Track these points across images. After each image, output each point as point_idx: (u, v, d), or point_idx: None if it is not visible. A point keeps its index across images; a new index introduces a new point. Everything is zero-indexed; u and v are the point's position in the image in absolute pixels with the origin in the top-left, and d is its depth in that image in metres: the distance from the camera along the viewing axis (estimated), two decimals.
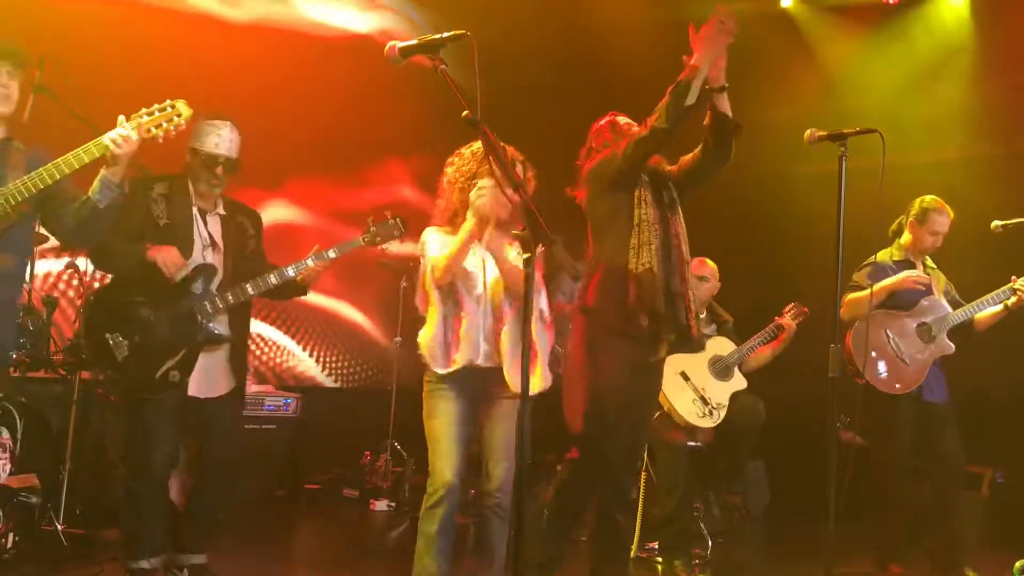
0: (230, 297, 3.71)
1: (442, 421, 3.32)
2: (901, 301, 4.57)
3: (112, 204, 3.17)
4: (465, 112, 2.38)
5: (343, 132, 6.72)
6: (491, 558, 3.37)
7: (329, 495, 6.28)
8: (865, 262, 4.59)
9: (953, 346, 4.56)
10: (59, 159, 3.05)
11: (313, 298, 6.82)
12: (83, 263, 4.65)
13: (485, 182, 3.26)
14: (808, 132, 3.39)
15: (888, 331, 4.56)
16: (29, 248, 3.77)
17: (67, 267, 4.85)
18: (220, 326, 3.73)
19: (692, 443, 4.97)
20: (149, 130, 3.11)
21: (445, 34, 2.49)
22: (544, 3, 6.69)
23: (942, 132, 6.24)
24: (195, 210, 3.80)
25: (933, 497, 4.57)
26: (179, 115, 3.15)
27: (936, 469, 4.55)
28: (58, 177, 3.04)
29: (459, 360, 3.32)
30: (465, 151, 3.44)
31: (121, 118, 3.11)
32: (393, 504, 6.01)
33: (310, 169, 6.88)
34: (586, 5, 6.74)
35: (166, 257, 3.61)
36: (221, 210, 3.89)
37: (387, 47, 2.59)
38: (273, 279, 3.77)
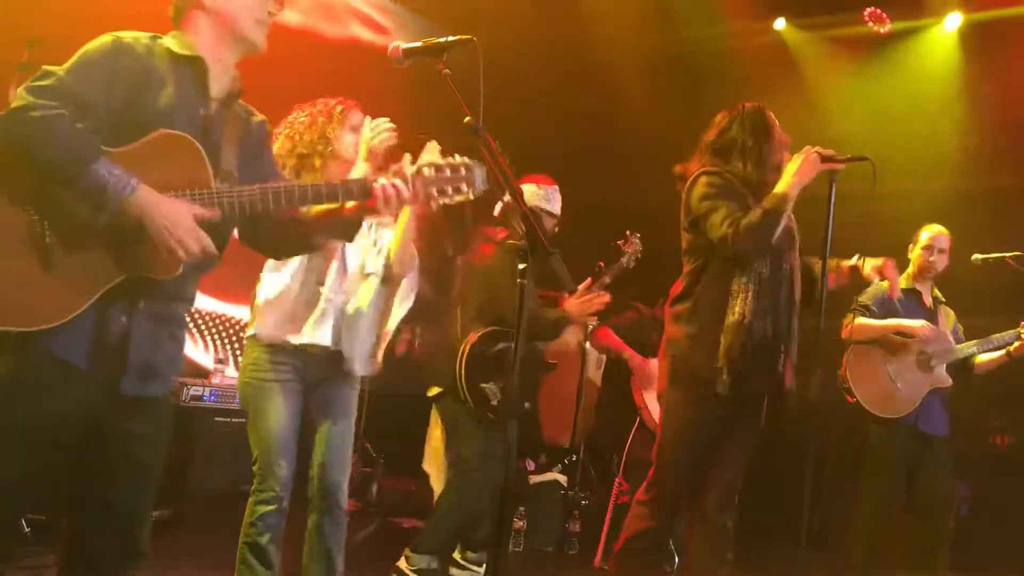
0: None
1: (279, 417, 3.06)
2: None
3: None
4: (467, 118, 2.36)
5: None
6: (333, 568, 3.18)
7: (297, 493, 6.21)
8: (870, 287, 4.56)
9: (950, 379, 4.55)
10: (306, 187, 2.25)
11: None
12: None
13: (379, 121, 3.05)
14: None
15: (888, 353, 4.56)
16: None
17: None
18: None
19: None
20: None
21: (451, 37, 2.47)
22: (543, 14, 6.69)
23: (927, 164, 6.31)
24: None
25: (917, 531, 4.56)
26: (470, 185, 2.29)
27: (922, 502, 4.54)
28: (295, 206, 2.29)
29: (308, 335, 3.06)
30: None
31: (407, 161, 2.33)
32: (361, 504, 5.96)
33: None
34: (587, 17, 6.76)
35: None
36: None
37: (391, 47, 2.56)
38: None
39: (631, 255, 5.09)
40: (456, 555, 4.76)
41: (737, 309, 3.20)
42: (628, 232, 5.29)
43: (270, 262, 3.12)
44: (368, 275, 3.22)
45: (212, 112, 2.28)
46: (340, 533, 3.21)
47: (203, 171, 2.14)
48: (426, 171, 2.27)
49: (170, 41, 2.27)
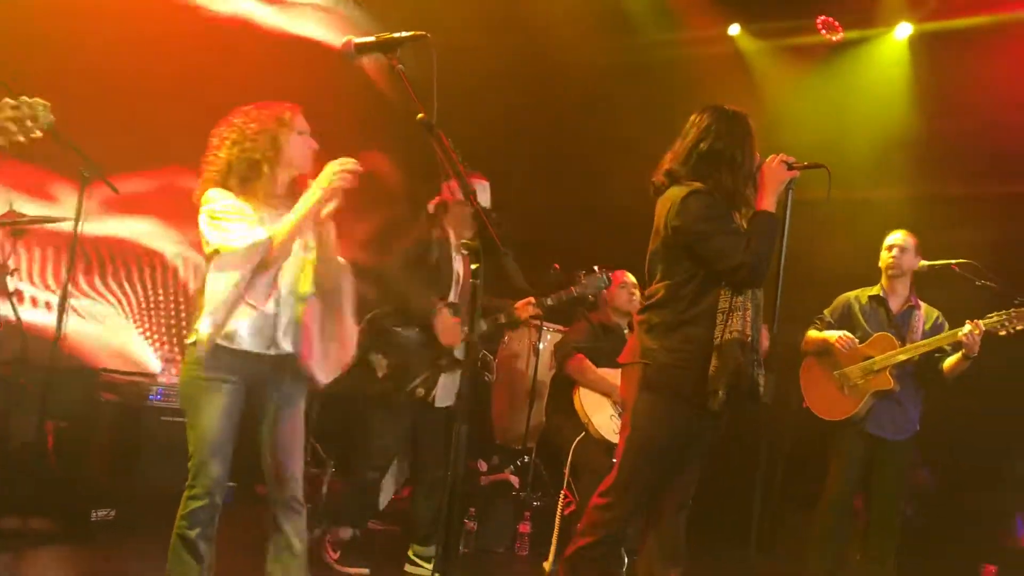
0: (467, 329, 4.16)
1: (216, 415, 3.02)
2: (860, 333, 4.69)
3: None
4: (420, 115, 2.35)
5: None
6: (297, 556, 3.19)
7: (242, 493, 6.11)
8: (836, 299, 4.81)
9: (892, 382, 4.55)
10: None
11: None
12: None
13: (349, 161, 2.98)
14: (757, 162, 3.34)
15: (838, 360, 4.67)
16: None
17: None
18: (459, 352, 4.47)
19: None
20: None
21: (404, 33, 2.47)
22: (497, 17, 6.67)
23: (878, 171, 6.41)
24: (453, 251, 4.62)
25: (865, 531, 4.68)
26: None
27: (871, 503, 4.67)
28: None
29: (248, 344, 3.03)
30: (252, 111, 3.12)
31: None
32: (309, 505, 5.88)
33: None
34: (541, 21, 6.77)
35: (447, 336, 4.46)
36: (463, 250, 4.53)
37: (343, 42, 2.55)
38: (503, 319, 4.77)
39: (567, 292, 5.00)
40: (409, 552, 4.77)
41: (736, 327, 3.13)
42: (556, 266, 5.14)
43: (214, 266, 3.00)
44: (303, 297, 3.14)
45: None
46: (300, 524, 3.20)
47: None
48: None
49: None
